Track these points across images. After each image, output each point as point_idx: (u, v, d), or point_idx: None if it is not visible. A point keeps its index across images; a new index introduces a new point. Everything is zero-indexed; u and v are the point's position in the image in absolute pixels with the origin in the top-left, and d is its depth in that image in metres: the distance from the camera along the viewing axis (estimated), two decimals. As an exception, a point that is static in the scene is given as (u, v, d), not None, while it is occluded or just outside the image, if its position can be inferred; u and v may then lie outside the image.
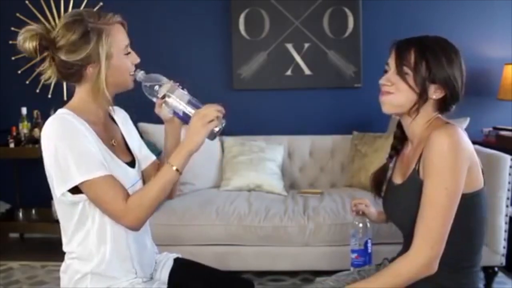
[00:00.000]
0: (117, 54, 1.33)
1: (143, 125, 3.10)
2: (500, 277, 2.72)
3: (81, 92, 1.38)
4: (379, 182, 1.55)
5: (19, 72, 3.58)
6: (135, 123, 1.65)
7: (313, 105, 3.63)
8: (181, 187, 3.08)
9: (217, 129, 1.30)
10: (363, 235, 1.65)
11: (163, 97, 1.34)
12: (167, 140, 1.52)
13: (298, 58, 3.56)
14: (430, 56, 1.30)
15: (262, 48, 3.56)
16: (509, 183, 2.51)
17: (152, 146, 2.90)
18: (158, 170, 1.35)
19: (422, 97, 1.31)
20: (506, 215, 2.55)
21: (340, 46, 3.51)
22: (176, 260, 1.61)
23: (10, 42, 3.46)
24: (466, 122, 2.89)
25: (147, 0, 3.62)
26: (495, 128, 3.35)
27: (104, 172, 1.27)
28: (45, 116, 3.38)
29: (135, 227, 1.32)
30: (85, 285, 1.34)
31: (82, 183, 1.25)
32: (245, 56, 3.57)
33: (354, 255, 1.66)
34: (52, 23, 3.58)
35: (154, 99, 1.38)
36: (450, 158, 1.22)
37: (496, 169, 2.50)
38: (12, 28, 3.31)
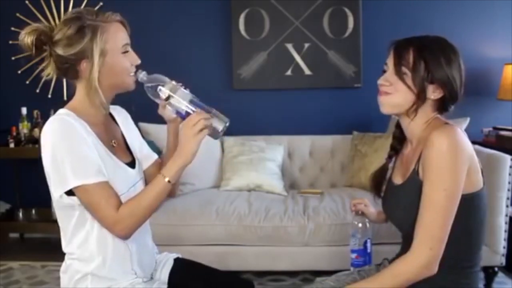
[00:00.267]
0: (112, 51, 1.33)
1: (143, 125, 3.10)
2: (500, 277, 2.72)
3: (80, 91, 1.38)
4: (378, 183, 1.54)
5: (19, 72, 3.58)
6: (135, 123, 1.64)
7: (313, 105, 3.63)
8: (181, 187, 3.08)
9: (221, 128, 1.30)
10: (362, 235, 1.65)
11: (167, 98, 1.33)
12: (170, 140, 1.52)
13: (298, 58, 3.56)
14: (428, 56, 1.30)
15: (262, 48, 3.56)
16: (509, 183, 2.51)
17: (152, 146, 2.89)
18: (161, 170, 1.35)
19: (421, 97, 1.31)
20: (506, 215, 2.55)
21: (340, 46, 3.51)
22: (176, 260, 1.61)
23: (10, 42, 3.46)
24: (466, 122, 2.89)
25: (147, 0, 3.62)
26: (495, 128, 3.35)
27: (99, 178, 1.26)
28: (45, 116, 3.41)
29: (125, 236, 1.32)
30: (85, 285, 1.34)
31: (76, 187, 1.25)
32: (245, 56, 3.57)
33: (354, 255, 1.65)
34: (52, 23, 3.58)
35: (157, 100, 1.38)
36: (449, 159, 1.22)
37: (496, 169, 2.50)
38: (12, 28, 3.34)
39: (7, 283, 2.88)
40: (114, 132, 1.48)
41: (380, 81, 1.37)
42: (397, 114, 1.39)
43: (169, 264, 1.58)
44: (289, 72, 3.57)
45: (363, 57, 3.50)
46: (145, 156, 1.58)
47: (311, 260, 2.68)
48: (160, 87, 1.33)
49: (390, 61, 1.35)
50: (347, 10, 3.50)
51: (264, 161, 3.17)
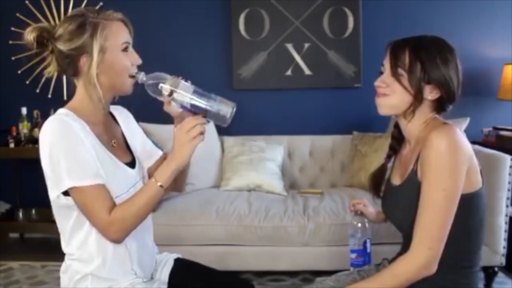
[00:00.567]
0: (112, 49, 1.33)
1: (143, 125, 3.10)
2: (500, 277, 2.72)
3: (79, 89, 1.38)
4: (377, 183, 1.54)
5: (19, 72, 3.58)
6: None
7: (313, 105, 3.63)
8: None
9: (228, 114, 1.29)
10: (362, 235, 1.65)
11: (170, 94, 1.31)
12: None
13: (298, 58, 3.56)
14: (425, 56, 1.29)
15: (262, 48, 3.56)
16: (509, 183, 2.51)
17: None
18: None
19: (418, 98, 1.31)
20: (506, 215, 2.55)
21: (340, 46, 3.51)
22: (177, 260, 1.61)
23: (10, 42, 3.46)
24: (466, 122, 2.88)
25: (147, 0, 3.62)
26: (495, 128, 3.35)
27: (95, 181, 1.26)
28: (45, 116, 3.37)
29: (117, 240, 1.31)
30: (85, 286, 1.34)
31: (71, 188, 1.25)
32: (245, 56, 3.57)
33: (353, 255, 1.65)
34: (52, 23, 3.58)
35: (160, 98, 1.37)
36: (448, 159, 1.22)
37: (496, 169, 2.50)
38: (12, 28, 3.34)
39: (7, 283, 2.88)
40: (114, 132, 1.48)
41: (376, 83, 1.36)
42: (395, 115, 1.39)
43: (169, 264, 1.58)
44: (289, 72, 3.57)
45: (363, 57, 3.50)
46: (149, 152, 1.57)
47: (311, 260, 2.68)
48: (161, 84, 1.32)
49: (386, 62, 1.35)
50: (347, 10, 3.50)
51: (264, 161, 3.17)
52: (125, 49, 1.35)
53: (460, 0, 3.48)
